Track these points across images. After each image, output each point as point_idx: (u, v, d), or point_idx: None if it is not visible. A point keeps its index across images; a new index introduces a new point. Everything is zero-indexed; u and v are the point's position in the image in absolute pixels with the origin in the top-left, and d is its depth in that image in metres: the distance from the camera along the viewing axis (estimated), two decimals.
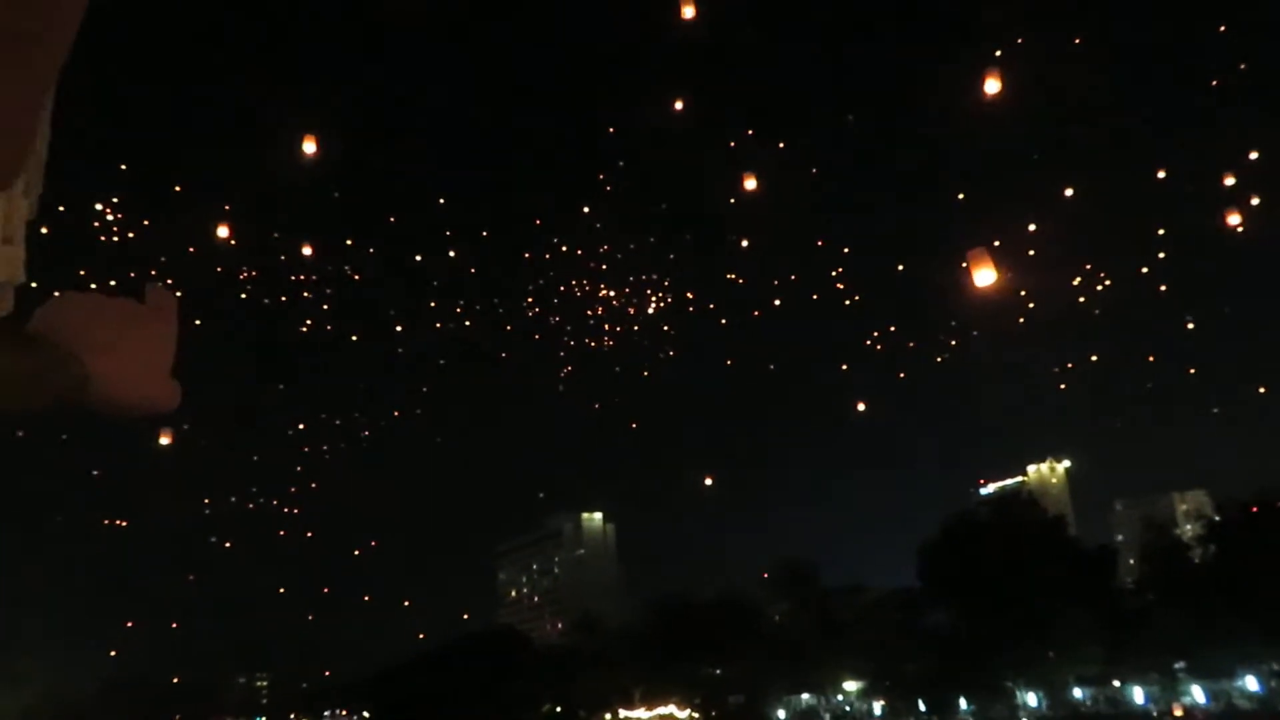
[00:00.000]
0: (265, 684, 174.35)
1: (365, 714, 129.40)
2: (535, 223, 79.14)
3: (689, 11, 23.70)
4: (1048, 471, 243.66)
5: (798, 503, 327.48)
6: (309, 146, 28.55)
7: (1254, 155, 42.05)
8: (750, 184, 37.21)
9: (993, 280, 22.41)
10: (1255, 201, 39.75)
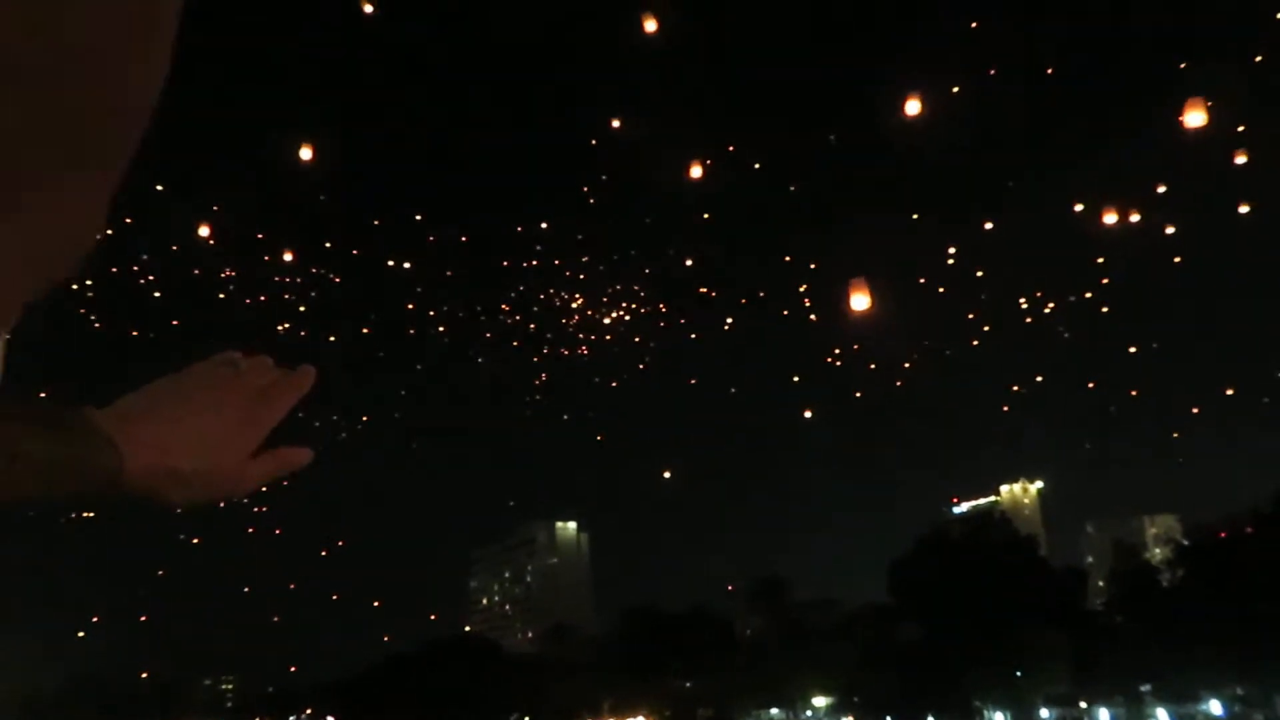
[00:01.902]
0: (230, 686, 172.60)
1: (330, 719, 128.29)
2: (516, 230, 79.25)
3: (651, 25, 23.99)
4: (1020, 492, 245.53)
5: (773, 516, 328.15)
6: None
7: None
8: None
9: (867, 306, 23.07)
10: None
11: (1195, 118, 26.43)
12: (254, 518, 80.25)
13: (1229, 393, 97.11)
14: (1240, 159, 44.06)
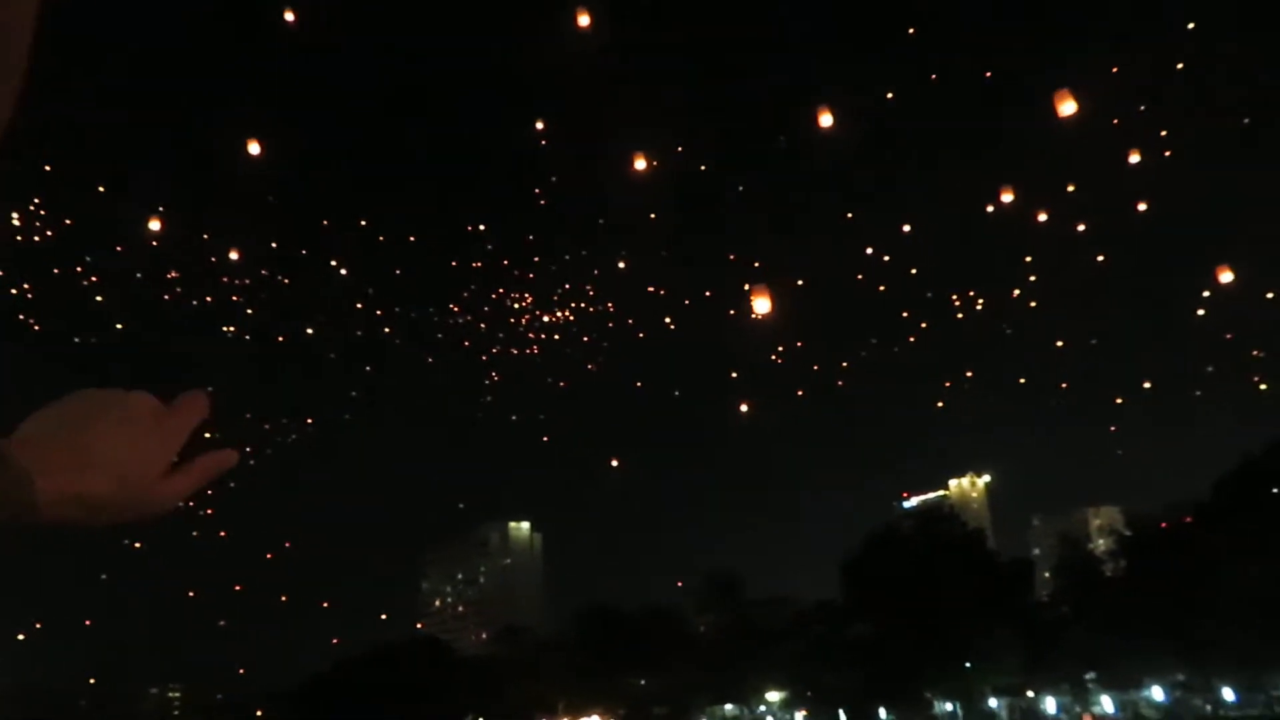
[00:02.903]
0: (178, 694, 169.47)
1: None
2: (466, 229, 78.73)
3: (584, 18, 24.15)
4: (969, 486, 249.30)
5: (726, 515, 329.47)
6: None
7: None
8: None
9: (769, 309, 23.62)
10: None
11: (1067, 107, 28.15)
12: (199, 521, 78.68)
13: (1145, 385, 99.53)
14: (1135, 157, 45.56)
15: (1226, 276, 40.20)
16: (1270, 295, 67.94)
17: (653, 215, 79.19)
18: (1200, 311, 63.79)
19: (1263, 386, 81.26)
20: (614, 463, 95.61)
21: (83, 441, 1.12)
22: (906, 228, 63.97)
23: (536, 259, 72.92)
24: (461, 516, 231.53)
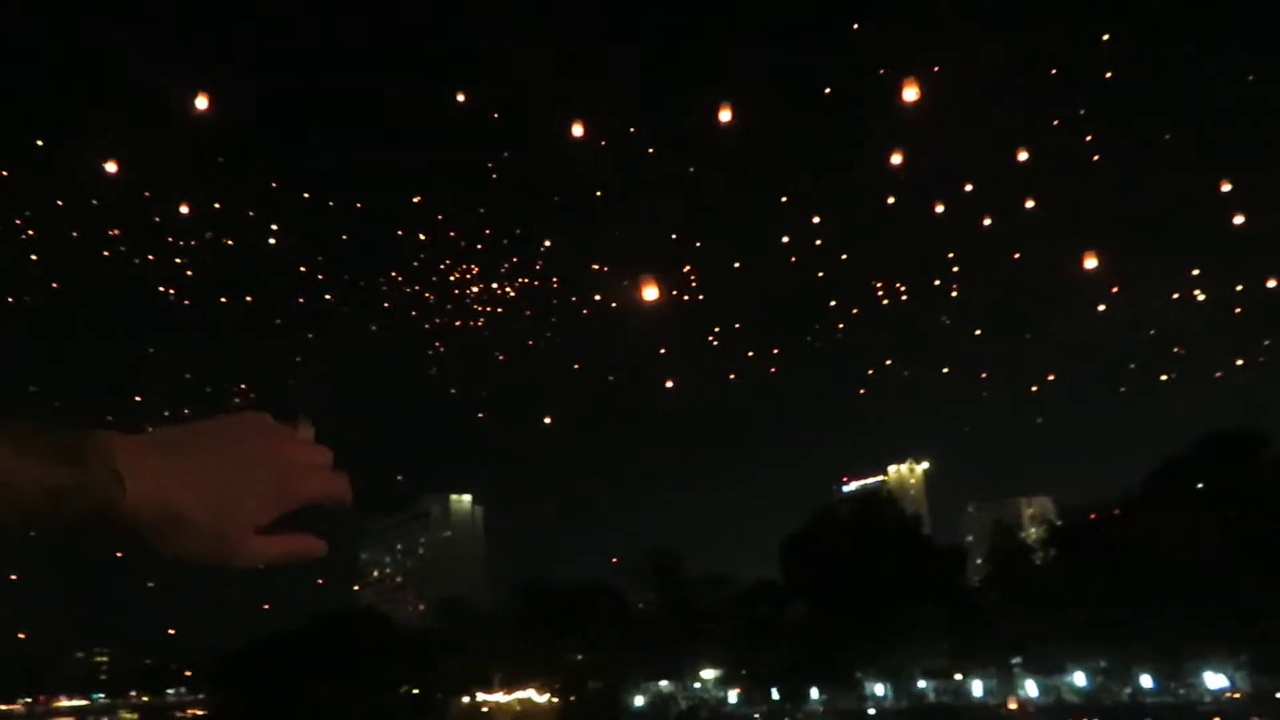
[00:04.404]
0: (105, 659, 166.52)
1: (202, 695, 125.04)
2: (414, 200, 77.49)
3: None
4: (907, 472, 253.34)
5: (670, 493, 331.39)
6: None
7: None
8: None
9: (656, 296, 24.54)
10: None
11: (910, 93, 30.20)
12: None
13: (1050, 378, 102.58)
14: (1023, 155, 46.89)
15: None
16: (1176, 295, 70.12)
17: (599, 194, 79.21)
18: (1101, 308, 65.84)
19: (1164, 378, 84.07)
20: (546, 420, 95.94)
21: (194, 460, 1.12)
22: (817, 220, 65.17)
23: (489, 231, 72.25)
24: (402, 488, 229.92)
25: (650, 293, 21.91)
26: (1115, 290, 67.17)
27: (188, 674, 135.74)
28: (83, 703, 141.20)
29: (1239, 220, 50.76)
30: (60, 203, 56.07)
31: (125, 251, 62.32)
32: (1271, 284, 63.29)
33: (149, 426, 1.14)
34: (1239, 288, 67.95)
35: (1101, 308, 68.47)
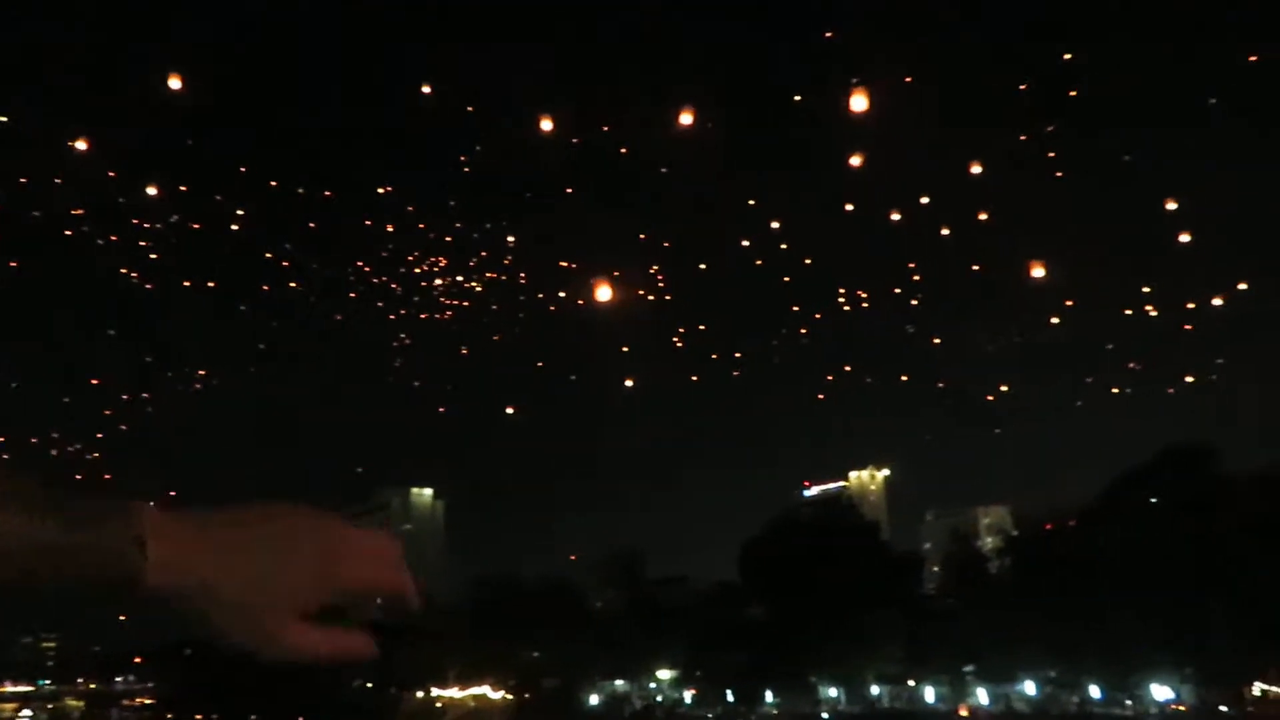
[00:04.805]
0: (52, 645, 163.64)
1: (151, 684, 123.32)
2: (379, 191, 76.68)
3: None
4: (868, 478, 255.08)
5: (632, 494, 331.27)
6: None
7: None
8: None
9: (610, 296, 24.91)
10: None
11: (859, 101, 31.23)
12: (84, 464, 75.54)
13: (1003, 389, 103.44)
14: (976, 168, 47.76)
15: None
16: (1129, 311, 71.37)
17: (569, 189, 79.01)
18: (1055, 321, 66.92)
19: (1119, 391, 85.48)
20: (509, 410, 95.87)
21: (232, 539, 1.09)
22: (776, 225, 65.76)
23: (460, 224, 71.73)
24: (362, 480, 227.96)
25: (605, 293, 21.97)
26: (1070, 304, 68.17)
27: (137, 661, 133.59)
28: (28, 688, 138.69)
29: (1185, 239, 51.71)
30: (24, 179, 55.00)
31: (87, 232, 61.35)
32: (1218, 301, 64.71)
33: (182, 503, 1.12)
34: (1190, 305, 69.17)
35: (1055, 320, 69.48)
